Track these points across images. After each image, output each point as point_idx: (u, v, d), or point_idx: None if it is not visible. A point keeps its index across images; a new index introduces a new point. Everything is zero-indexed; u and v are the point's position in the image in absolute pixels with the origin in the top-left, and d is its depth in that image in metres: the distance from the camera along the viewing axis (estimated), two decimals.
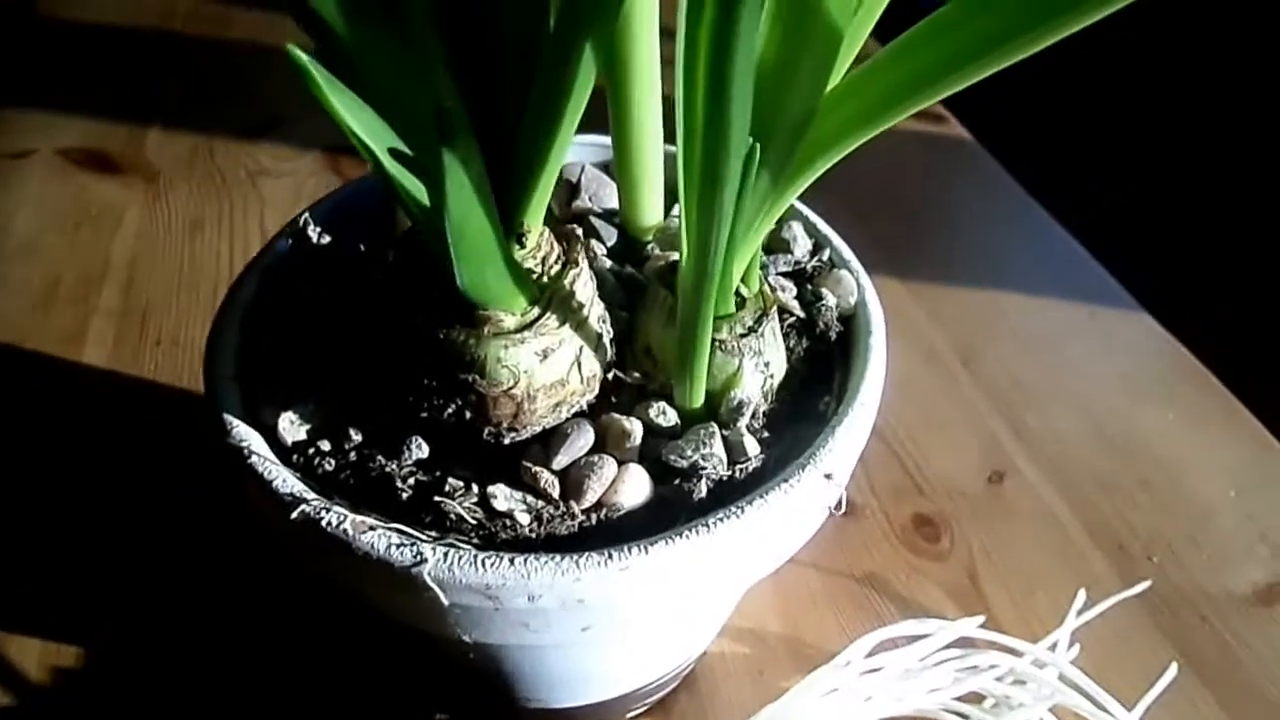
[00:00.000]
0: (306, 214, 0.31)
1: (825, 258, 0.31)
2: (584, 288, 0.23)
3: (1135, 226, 0.95)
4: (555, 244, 0.23)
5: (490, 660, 0.27)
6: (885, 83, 0.19)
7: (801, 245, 0.31)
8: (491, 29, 0.18)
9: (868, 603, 0.40)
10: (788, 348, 0.28)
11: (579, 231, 0.29)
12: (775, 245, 0.31)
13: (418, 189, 0.18)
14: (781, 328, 0.28)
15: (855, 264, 0.30)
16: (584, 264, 0.24)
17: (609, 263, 0.29)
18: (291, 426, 0.24)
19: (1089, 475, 0.45)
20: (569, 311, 0.23)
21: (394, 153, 0.17)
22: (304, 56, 0.15)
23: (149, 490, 0.42)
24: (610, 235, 0.30)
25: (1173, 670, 0.36)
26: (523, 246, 0.22)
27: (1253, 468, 0.46)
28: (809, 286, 0.29)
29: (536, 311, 0.22)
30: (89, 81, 0.71)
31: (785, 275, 0.30)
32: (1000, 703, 0.35)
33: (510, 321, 0.22)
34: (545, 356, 0.22)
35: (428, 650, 0.33)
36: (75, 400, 0.47)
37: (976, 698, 0.35)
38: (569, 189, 0.33)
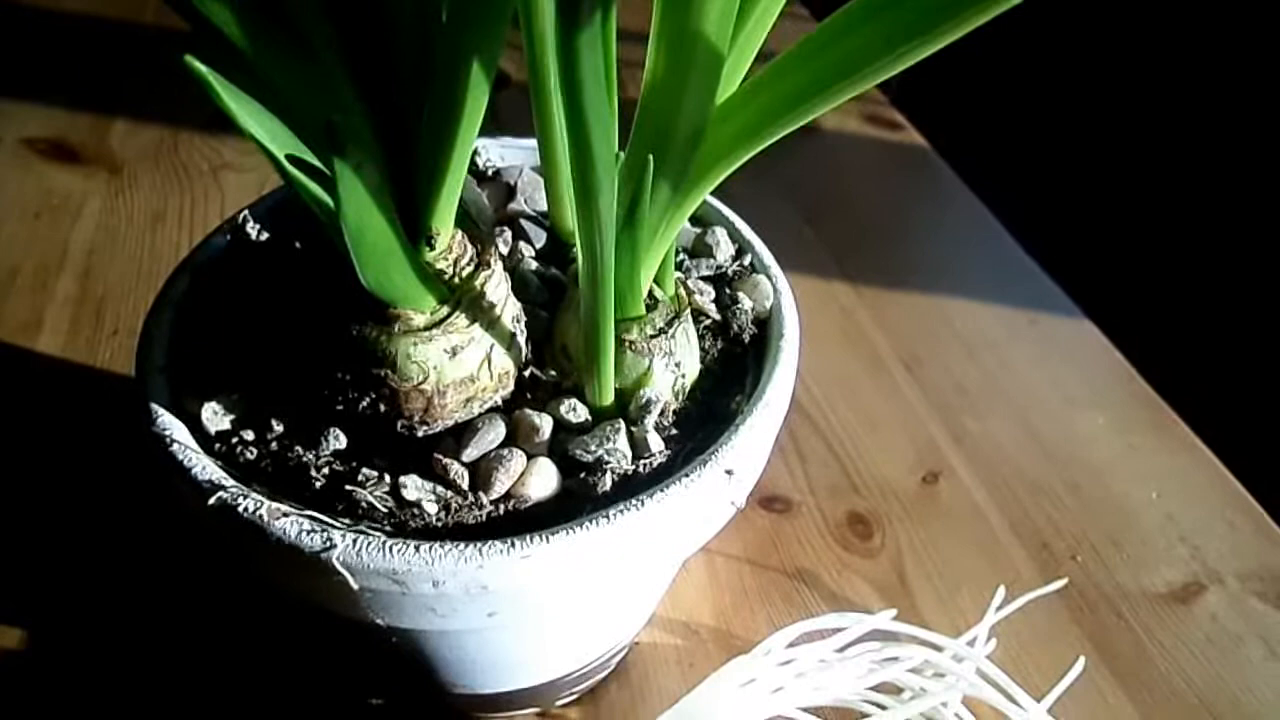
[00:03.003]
0: (246, 211, 0.32)
1: (747, 262, 0.32)
2: (496, 288, 0.24)
3: (1085, 234, 0.97)
4: (469, 246, 0.24)
5: (411, 645, 0.28)
6: (771, 96, 0.20)
7: (724, 250, 0.32)
8: (390, 41, 0.19)
9: (798, 597, 0.41)
10: (703, 349, 0.29)
11: (508, 234, 0.31)
12: (699, 250, 0.32)
13: (322, 193, 0.19)
14: (698, 330, 0.29)
15: (775, 269, 0.31)
16: (497, 266, 0.25)
17: (535, 264, 0.30)
18: (215, 416, 0.25)
19: (1020, 477, 0.46)
20: (480, 311, 0.24)
21: (293, 159, 0.18)
22: (203, 68, 0.16)
23: (97, 477, 0.43)
24: (540, 237, 0.31)
25: (1080, 664, 0.37)
26: (432, 248, 0.23)
27: (1178, 471, 0.47)
28: (727, 290, 0.30)
29: (446, 310, 0.23)
30: (55, 71, 0.72)
31: (706, 279, 0.31)
32: (917, 694, 0.36)
33: (419, 320, 0.23)
34: (454, 354, 0.24)
35: (358, 637, 0.34)
36: (29, 388, 0.48)
37: (895, 689, 0.36)
38: (506, 191, 0.34)
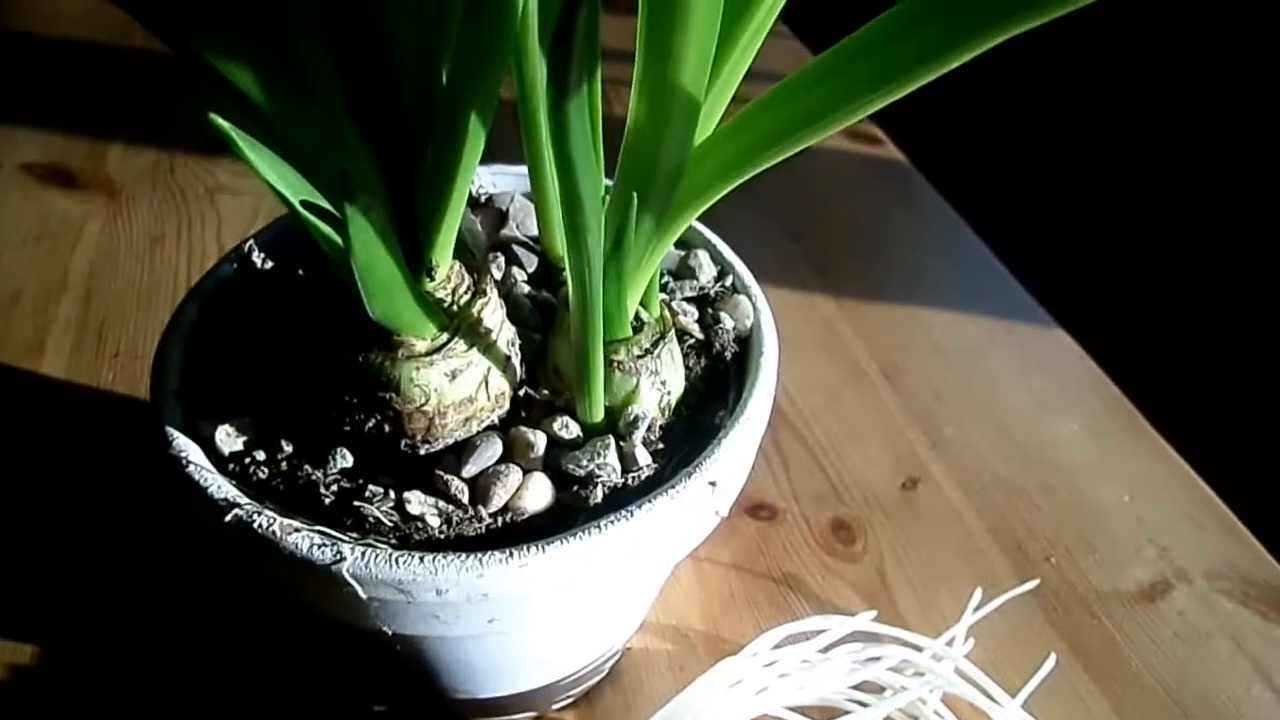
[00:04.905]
0: (251, 240, 0.33)
1: (728, 283, 0.33)
2: (492, 315, 0.26)
3: (1059, 245, 0.99)
4: (466, 276, 0.26)
5: (415, 652, 0.30)
6: (744, 139, 0.22)
7: (706, 272, 0.33)
8: (394, 95, 0.21)
9: (784, 601, 0.43)
10: (687, 367, 0.30)
11: (501, 260, 0.32)
12: (683, 272, 0.34)
13: (332, 234, 0.21)
14: (682, 349, 0.31)
15: (755, 289, 0.33)
16: (492, 293, 0.26)
17: (527, 288, 0.32)
18: (228, 438, 0.27)
19: (996, 482, 0.48)
20: (477, 336, 0.26)
21: (306, 204, 0.20)
22: (225, 123, 0.18)
23: (103, 495, 0.44)
24: (532, 262, 0.33)
25: (1052, 660, 0.39)
26: (433, 279, 0.25)
27: (1148, 475, 0.49)
28: (710, 310, 0.32)
29: (446, 337, 0.25)
30: (51, 97, 0.73)
31: (690, 300, 0.33)
32: (898, 692, 0.37)
33: (421, 346, 0.25)
34: (454, 377, 0.25)
35: (363, 647, 0.36)
36: (35, 408, 0.49)
37: (877, 688, 0.38)
38: (498, 217, 0.35)
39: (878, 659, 0.38)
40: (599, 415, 0.27)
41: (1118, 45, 1.09)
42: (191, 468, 0.25)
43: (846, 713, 0.36)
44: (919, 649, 0.38)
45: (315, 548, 0.24)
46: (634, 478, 0.27)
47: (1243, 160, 0.99)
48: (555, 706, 0.37)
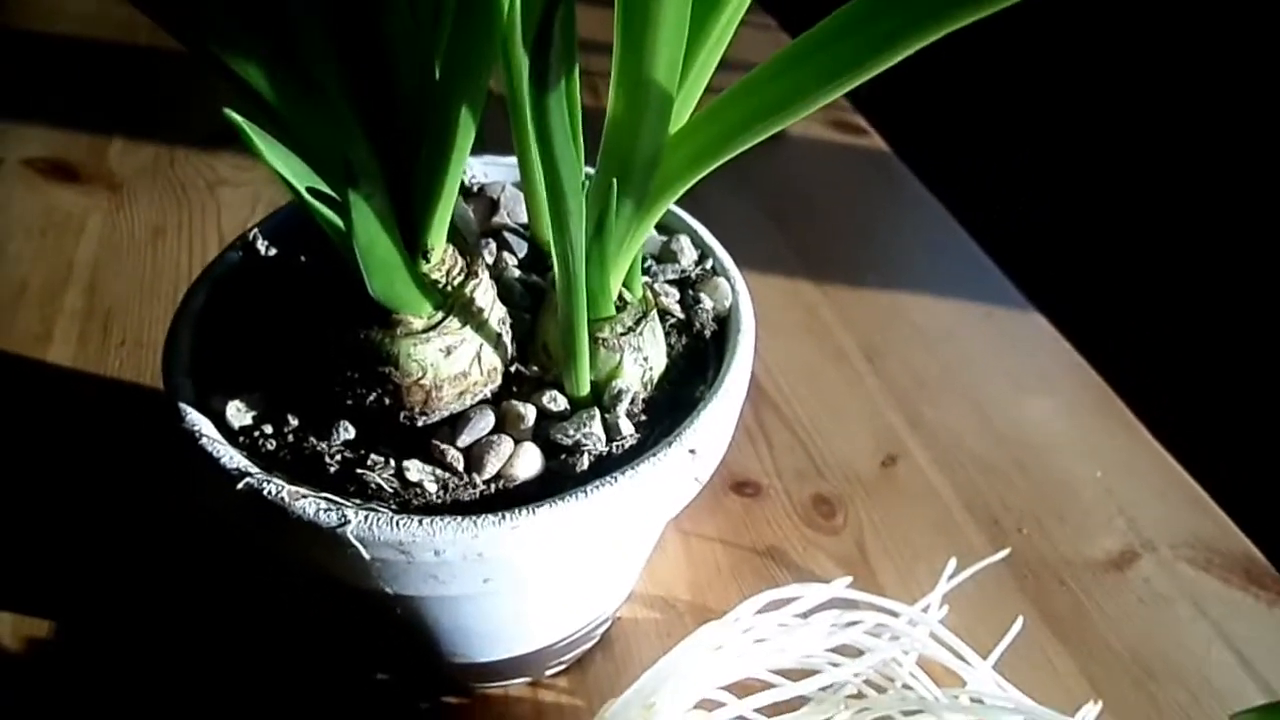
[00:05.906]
0: (256, 229, 0.35)
1: (708, 266, 0.35)
2: (484, 295, 0.28)
3: (1036, 232, 1.01)
4: (459, 259, 0.28)
5: (414, 614, 0.32)
6: (715, 128, 0.24)
7: (688, 255, 0.35)
8: (393, 88, 0.23)
9: (766, 572, 0.45)
10: (669, 345, 0.32)
11: (493, 245, 0.34)
12: (665, 256, 0.35)
13: (335, 218, 0.22)
14: (664, 327, 0.33)
15: (733, 271, 0.35)
16: (484, 275, 0.28)
17: (518, 272, 0.33)
18: (238, 413, 0.28)
19: (972, 459, 0.50)
20: (470, 315, 0.27)
21: (312, 191, 0.21)
22: (238, 117, 0.19)
23: (113, 476, 0.46)
24: (522, 248, 0.35)
25: (1019, 623, 0.41)
26: (428, 261, 0.27)
27: (1119, 450, 0.51)
28: (690, 291, 0.34)
29: (441, 315, 0.27)
30: (53, 92, 0.75)
31: (672, 282, 0.34)
32: (874, 655, 0.39)
33: (418, 324, 0.27)
34: (449, 353, 0.27)
35: (366, 614, 0.37)
36: (45, 395, 0.51)
37: (855, 651, 0.40)
38: (490, 206, 0.37)
39: (855, 624, 0.39)
40: (585, 389, 0.29)
41: (1096, 30, 1.10)
42: (204, 440, 0.27)
43: (823, 673, 0.38)
44: (895, 614, 0.40)
45: (322, 512, 0.26)
46: (618, 446, 0.28)
47: (1217, 148, 1.01)
48: (549, 672, 0.39)
